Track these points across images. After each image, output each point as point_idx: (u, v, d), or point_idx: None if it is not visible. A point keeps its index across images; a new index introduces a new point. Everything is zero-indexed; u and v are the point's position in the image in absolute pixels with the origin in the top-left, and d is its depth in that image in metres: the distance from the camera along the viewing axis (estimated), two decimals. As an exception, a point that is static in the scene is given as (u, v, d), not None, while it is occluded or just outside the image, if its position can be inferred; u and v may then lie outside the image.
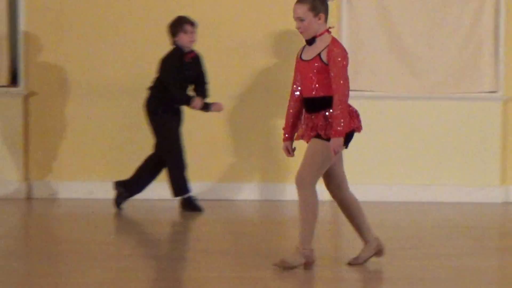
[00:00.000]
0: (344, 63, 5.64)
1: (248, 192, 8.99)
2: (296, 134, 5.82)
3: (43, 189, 9.25)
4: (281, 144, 6.74)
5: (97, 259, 6.02)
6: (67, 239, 7.12)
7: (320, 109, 5.64)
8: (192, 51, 7.90)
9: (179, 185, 7.93)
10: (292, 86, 5.88)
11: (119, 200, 7.99)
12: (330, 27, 5.67)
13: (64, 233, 7.67)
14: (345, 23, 8.94)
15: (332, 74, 5.58)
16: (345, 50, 5.71)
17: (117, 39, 9.07)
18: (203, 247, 6.61)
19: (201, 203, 7.96)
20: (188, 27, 7.81)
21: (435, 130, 9.22)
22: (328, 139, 5.63)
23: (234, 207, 8.79)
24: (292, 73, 6.15)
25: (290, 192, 8.35)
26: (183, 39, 7.80)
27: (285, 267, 5.59)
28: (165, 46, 8.47)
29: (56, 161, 9.33)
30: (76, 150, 9.17)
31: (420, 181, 9.24)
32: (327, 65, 5.62)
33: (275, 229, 7.80)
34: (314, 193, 5.74)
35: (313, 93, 5.63)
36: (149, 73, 8.55)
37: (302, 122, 5.92)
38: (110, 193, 8.56)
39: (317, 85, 5.62)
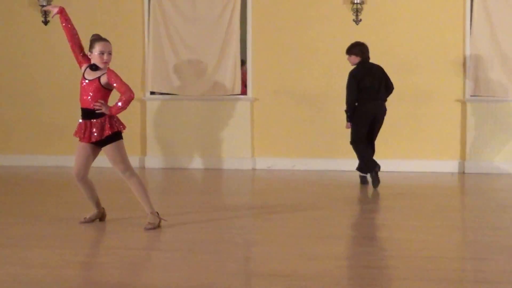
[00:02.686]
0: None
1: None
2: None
3: (263, 163, 9.70)
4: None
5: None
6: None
7: (97, 117, 5.55)
8: None
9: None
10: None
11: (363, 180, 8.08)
12: None
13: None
14: (468, 50, 9.20)
15: (116, 85, 5.49)
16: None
17: (313, 58, 9.48)
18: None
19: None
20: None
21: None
22: (111, 139, 5.56)
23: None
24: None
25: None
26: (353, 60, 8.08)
27: (152, 227, 5.58)
28: (338, 64, 8.92)
29: (273, 142, 9.67)
30: (289, 135, 9.59)
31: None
32: (102, 86, 5.53)
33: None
34: (137, 175, 5.74)
35: (91, 105, 5.53)
36: (330, 82, 9.29)
37: (82, 124, 5.59)
38: (308, 166, 9.26)
39: (93, 100, 5.54)
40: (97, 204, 5.94)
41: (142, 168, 9.61)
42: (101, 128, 5.57)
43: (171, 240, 5.36)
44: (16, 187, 8.48)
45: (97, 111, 5.56)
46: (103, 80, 5.56)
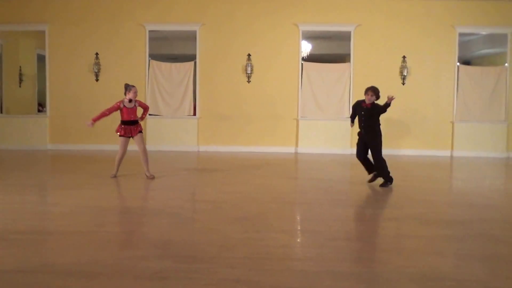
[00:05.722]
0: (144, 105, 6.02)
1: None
2: None
3: (203, 148, 10.72)
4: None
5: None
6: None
7: (136, 123, 6.21)
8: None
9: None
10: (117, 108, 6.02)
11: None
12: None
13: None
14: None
15: (143, 106, 5.98)
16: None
17: (227, 98, 10.47)
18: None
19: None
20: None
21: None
22: (140, 132, 6.03)
23: None
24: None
25: None
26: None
27: (152, 178, 6.11)
28: (238, 101, 9.98)
29: (208, 138, 10.62)
30: (215, 135, 10.54)
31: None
32: (137, 108, 6.14)
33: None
34: (147, 151, 6.01)
35: (135, 118, 6.14)
36: (236, 109, 10.36)
37: (125, 128, 6.05)
38: (225, 150, 10.07)
39: (135, 115, 6.11)
40: (118, 167, 6.66)
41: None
42: (138, 127, 6.49)
43: (156, 183, 6.09)
44: (73, 162, 8.71)
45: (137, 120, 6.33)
46: (137, 105, 6.47)
